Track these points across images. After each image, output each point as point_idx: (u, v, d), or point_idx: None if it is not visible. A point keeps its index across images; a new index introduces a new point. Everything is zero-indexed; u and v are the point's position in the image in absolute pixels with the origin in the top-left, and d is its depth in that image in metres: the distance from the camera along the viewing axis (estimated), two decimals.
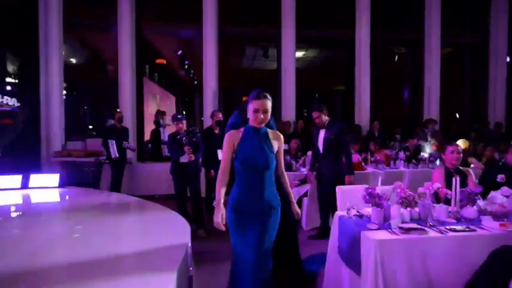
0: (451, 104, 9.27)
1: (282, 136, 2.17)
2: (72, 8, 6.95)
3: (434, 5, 8.25)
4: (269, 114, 2.06)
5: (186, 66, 12.18)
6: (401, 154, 5.98)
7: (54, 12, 6.58)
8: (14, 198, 3.96)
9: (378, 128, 7.83)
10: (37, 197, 4.09)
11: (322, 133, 3.96)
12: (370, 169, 5.49)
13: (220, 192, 2.03)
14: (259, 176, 2.03)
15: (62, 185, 4.41)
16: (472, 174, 3.19)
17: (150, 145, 7.91)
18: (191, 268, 2.35)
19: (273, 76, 8.37)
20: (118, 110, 6.55)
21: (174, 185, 4.50)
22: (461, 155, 3.23)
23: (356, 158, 5.10)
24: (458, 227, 2.15)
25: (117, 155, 5.91)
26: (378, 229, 2.14)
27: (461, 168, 3.23)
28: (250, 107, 2.05)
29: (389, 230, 2.12)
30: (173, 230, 2.58)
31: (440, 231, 2.09)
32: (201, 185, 4.81)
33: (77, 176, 6.08)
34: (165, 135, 9.17)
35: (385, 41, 9.13)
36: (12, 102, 3.53)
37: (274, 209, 2.08)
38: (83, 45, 8.71)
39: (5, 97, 3.41)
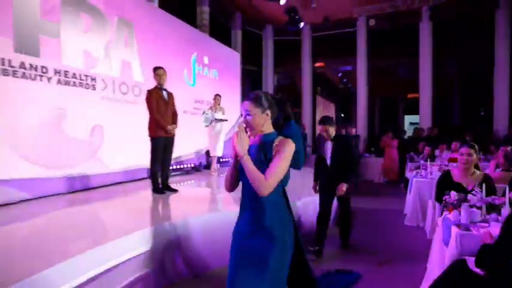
0: None
1: (289, 142, 1.57)
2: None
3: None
4: (256, 118, 1.58)
5: (344, 81, 16.10)
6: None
7: (269, 64, 11.46)
8: None
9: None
10: None
11: (329, 146, 3.90)
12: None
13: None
14: (252, 196, 1.57)
15: None
16: None
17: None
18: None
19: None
20: (302, 122, 10.83)
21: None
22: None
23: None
24: None
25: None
26: None
27: None
28: None
29: None
30: None
31: None
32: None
33: None
34: None
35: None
36: None
37: (274, 241, 1.56)
38: (284, 76, 14.13)
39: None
